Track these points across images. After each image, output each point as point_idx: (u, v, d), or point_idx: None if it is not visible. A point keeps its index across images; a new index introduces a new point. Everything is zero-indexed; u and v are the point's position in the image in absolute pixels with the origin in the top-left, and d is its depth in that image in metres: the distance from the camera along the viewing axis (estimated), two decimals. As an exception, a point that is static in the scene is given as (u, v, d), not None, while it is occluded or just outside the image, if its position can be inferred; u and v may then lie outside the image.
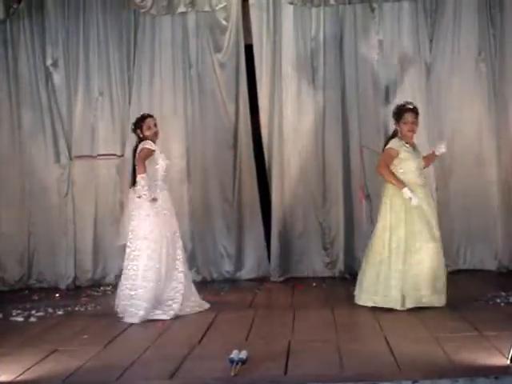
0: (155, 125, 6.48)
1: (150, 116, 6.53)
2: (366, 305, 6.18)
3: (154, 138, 6.44)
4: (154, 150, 6.37)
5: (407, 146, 6.22)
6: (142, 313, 6.14)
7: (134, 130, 6.50)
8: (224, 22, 8.05)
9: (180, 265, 6.48)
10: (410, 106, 6.28)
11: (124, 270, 6.38)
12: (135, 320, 6.10)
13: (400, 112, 6.25)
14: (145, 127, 6.42)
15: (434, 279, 6.05)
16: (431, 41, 7.92)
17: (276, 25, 8.00)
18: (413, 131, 6.24)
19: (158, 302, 6.26)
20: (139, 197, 6.29)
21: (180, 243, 6.59)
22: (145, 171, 6.27)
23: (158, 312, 6.24)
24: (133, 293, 6.21)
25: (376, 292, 6.13)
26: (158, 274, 6.28)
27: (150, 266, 6.27)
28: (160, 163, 6.41)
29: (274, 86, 8.02)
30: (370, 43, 7.94)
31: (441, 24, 7.91)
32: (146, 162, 6.33)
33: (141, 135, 6.44)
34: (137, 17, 8.08)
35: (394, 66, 7.93)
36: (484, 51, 7.85)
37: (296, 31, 8.00)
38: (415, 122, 6.24)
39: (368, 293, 6.18)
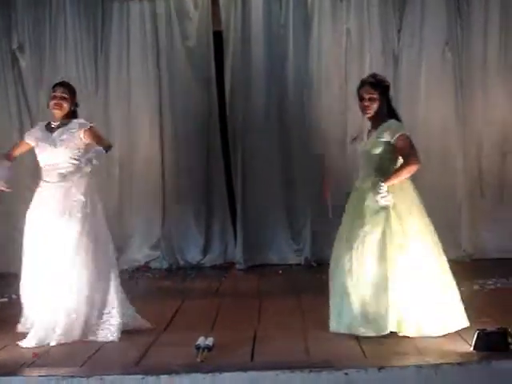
0: (61, 96, 5.19)
1: (58, 84, 5.32)
2: None
3: (53, 110, 5.21)
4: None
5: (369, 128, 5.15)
6: None
7: None
8: (193, 9, 7.97)
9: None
10: (367, 78, 5.09)
11: None
12: None
13: (357, 89, 5.11)
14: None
15: None
16: (399, 31, 7.93)
17: (245, 11, 7.95)
18: (367, 108, 4.98)
19: None
20: None
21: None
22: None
23: None
24: None
25: None
26: None
27: None
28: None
29: (243, 73, 7.98)
30: (337, 31, 7.91)
31: (409, 14, 7.93)
32: None
33: None
34: (105, 3, 7.96)
35: (361, 54, 7.89)
36: (451, 41, 7.90)
37: (264, 18, 7.95)
38: (371, 98, 4.96)
39: None
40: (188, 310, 6.05)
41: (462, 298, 5.85)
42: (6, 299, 6.40)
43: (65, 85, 5.30)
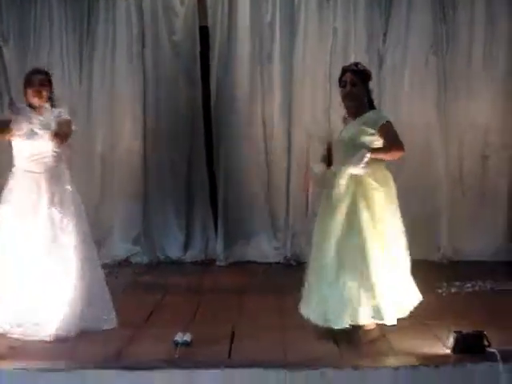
0: (40, 84, 5.10)
1: (35, 71, 5.21)
2: None
3: (31, 99, 5.12)
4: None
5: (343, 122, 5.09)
6: None
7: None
8: (178, 4, 7.95)
9: None
10: (348, 66, 5.05)
11: None
12: None
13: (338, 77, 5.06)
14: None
15: None
16: (385, 33, 7.94)
17: (232, 7, 7.93)
18: (349, 93, 4.92)
19: None
20: None
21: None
22: None
23: None
24: None
25: None
26: None
27: None
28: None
29: (228, 70, 7.97)
30: (323, 31, 7.92)
31: (394, 17, 7.94)
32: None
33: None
34: (90, -1, 7.91)
35: (346, 54, 7.91)
36: (435, 45, 7.91)
37: (251, 16, 7.95)
38: (352, 83, 4.90)
39: None
40: (167, 306, 6.06)
41: (439, 300, 5.93)
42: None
43: (42, 72, 5.24)
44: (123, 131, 7.98)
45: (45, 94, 5.14)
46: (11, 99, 5.29)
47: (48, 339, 4.88)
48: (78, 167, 7.78)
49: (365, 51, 7.90)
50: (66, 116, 5.14)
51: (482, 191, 8.04)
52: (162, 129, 8.02)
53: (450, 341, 4.48)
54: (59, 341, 4.88)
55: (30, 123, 5.04)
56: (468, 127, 7.98)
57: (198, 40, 8.00)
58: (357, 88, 4.93)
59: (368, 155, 4.74)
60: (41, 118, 5.04)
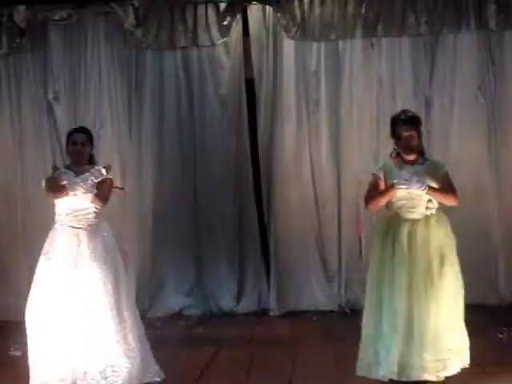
0: (81, 143, 5.24)
1: (78, 130, 5.39)
2: None
3: (73, 158, 5.30)
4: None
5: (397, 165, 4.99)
6: None
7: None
8: (225, 58, 8.03)
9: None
10: (403, 117, 5.03)
11: None
12: None
13: (392, 126, 5.06)
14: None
15: None
16: (431, 75, 7.89)
17: (276, 59, 8.00)
18: (409, 147, 4.93)
19: None
20: None
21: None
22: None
23: None
24: None
25: None
26: None
27: None
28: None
29: (275, 120, 8.01)
30: (369, 77, 7.93)
31: (440, 58, 7.89)
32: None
33: None
34: (138, 52, 8.05)
35: (393, 99, 7.89)
36: (483, 86, 7.84)
37: (296, 66, 7.99)
38: (411, 136, 4.91)
39: None
40: (222, 358, 5.99)
41: (500, 345, 5.75)
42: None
43: (84, 131, 5.37)
44: (172, 186, 8.01)
45: (86, 153, 5.26)
46: (55, 166, 5.46)
47: None
48: (131, 222, 7.88)
49: (411, 94, 7.86)
50: (106, 176, 5.21)
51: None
52: (211, 182, 8.05)
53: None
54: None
55: (72, 184, 5.12)
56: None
57: (244, 92, 8.05)
58: (415, 139, 4.94)
59: (424, 182, 4.76)
60: (82, 181, 5.12)
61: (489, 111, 7.88)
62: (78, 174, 5.18)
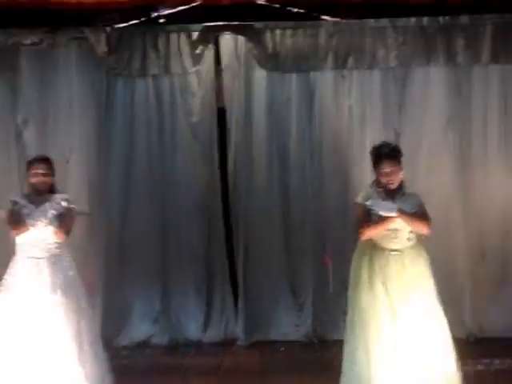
0: (43, 174, 5.27)
1: (40, 159, 5.39)
2: None
3: (34, 188, 5.31)
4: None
5: (369, 199, 5.22)
6: None
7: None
8: (197, 86, 8.03)
9: None
10: (386, 151, 5.24)
11: None
12: None
13: (375, 158, 5.27)
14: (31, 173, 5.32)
15: None
16: (400, 108, 7.96)
17: (248, 88, 8.01)
18: (392, 183, 5.19)
19: None
20: None
21: None
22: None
23: None
24: None
25: None
26: None
27: None
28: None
29: (245, 149, 8.01)
30: (339, 106, 7.98)
31: (410, 91, 7.97)
32: None
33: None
34: (110, 78, 8.01)
35: (362, 129, 7.95)
36: (452, 120, 7.92)
37: (267, 96, 8.01)
38: (393, 171, 5.19)
39: None
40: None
41: (466, 378, 5.75)
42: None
43: (45, 160, 5.38)
44: (141, 213, 7.96)
45: (48, 183, 5.26)
46: (14, 200, 5.37)
47: None
48: (95, 249, 7.79)
49: (381, 125, 7.93)
50: (68, 205, 5.19)
51: (504, 266, 7.91)
52: (181, 207, 8.01)
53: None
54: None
55: (34, 216, 5.14)
56: (487, 201, 7.90)
57: (215, 121, 8.05)
58: (398, 173, 5.23)
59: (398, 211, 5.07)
60: (42, 214, 5.08)
61: (456, 143, 7.94)
62: (37, 204, 5.13)
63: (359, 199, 5.26)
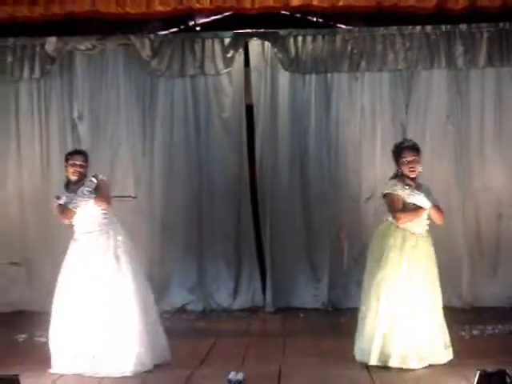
0: (80, 165, 5.41)
1: (77, 152, 5.57)
2: None
3: (72, 177, 5.44)
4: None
5: (406, 187, 5.26)
6: None
7: None
8: (228, 85, 8.14)
9: None
10: (408, 144, 5.40)
11: None
12: None
13: (397, 151, 5.35)
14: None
15: None
16: (406, 105, 8.05)
17: (273, 88, 8.18)
18: (414, 170, 5.26)
19: None
20: None
21: None
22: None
23: None
24: None
25: None
26: None
27: None
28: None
29: (271, 142, 8.17)
30: (353, 105, 8.11)
31: (415, 91, 8.08)
32: None
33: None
34: (153, 79, 8.17)
35: (373, 124, 8.07)
36: (452, 115, 8.04)
37: (290, 94, 8.14)
38: (415, 160, 5.27)
39: None
40: (220, 348, 6.05)
41: (463, 342, 5.83)
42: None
43: (82, 153, 5.55)
44: (179, 197, 8.09)
45: (83, 172, 5.44)
46: (58, 195, 5.51)
47: (129, 374, 5.03)
48: (141, 228, 7.93)
49: (389, 122, 8.05)
50: (99, 178, 5.40)
51: (497, 249, 7.95)
52: (215, 193, 8.20)
53: (475, 378, 4.40)
54: (137, 376, 4.93)
55: (75, 201, 5.32)
56: (483, 188, 7.97)
57: (244, 116, 8.21)
58: (419, 163, 5.32)
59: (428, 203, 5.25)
60: (79, 195, 5.26)
61: (456, 137, 8.04)
62: (75, 191, 5.35)
63: (390, 190, 5.28)
